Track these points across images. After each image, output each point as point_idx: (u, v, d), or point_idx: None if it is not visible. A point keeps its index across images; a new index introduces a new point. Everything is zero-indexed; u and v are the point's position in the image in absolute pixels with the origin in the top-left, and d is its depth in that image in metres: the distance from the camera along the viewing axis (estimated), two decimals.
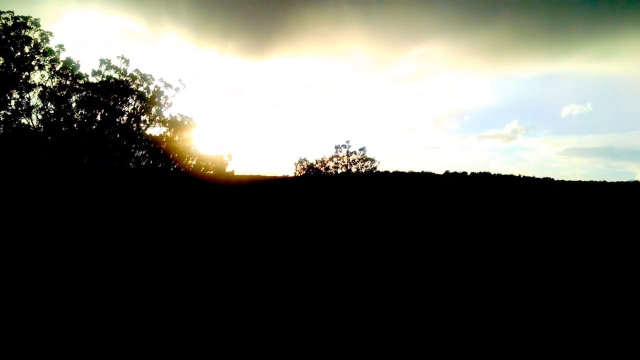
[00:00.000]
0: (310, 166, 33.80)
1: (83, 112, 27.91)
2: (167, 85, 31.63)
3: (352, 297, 4.99)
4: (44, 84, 26.48)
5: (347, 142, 34.42)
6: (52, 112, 26.82)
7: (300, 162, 34.06)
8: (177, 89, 31.97)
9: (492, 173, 51.09)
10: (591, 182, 59.41)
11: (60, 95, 26.91)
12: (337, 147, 34.43)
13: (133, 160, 31.44)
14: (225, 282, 5.45)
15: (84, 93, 27.81)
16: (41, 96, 26.29)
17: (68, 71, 27.00)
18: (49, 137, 27.01)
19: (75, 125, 27.63)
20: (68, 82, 27.09)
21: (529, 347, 3.69)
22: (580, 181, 59.44)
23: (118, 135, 30.13)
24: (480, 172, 50.07)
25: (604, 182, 62.17)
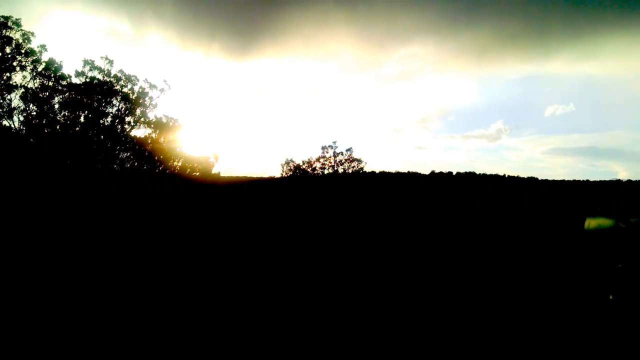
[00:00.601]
0: (297, 167, 34.24)
1: (66, 113, 27.88)
2: (152, 86, 31.75)
3: (347, 297, 5.42)
4: (25, 85, 26.40)
5: (334, 142, 34.92)
6: (35, 113, 26.74)
7: (287, 162, 34.48)
8: (162, 90, 32.12)
9: (478, 173, 52.30)
10: (574, 181, 61.26)
11: (43, 97, 26.85)
12: (323, 148, 34.92)
13: (118, 162, 31.45)
14: (216, 279, 5.90)
15: (67, 94, 27.78)
16: (23, 97, 26.20)
17: (50, 72, 26.96)
18: (31, 139, 26.92)
19: (58, 127, 27.58)
20: (51, 83, 27.05)
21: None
22: (564, 180, 61.26)
23: (102, 137, 30.12)
24: (465, 172, 51.23)
25: (587, 181, 64.15)
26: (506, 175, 54.59)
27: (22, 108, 26.32)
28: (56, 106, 27.56)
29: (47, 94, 26.95)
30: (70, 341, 3.54)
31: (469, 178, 50.13)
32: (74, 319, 3.97)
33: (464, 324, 4.32)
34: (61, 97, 27.66)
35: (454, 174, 50.55)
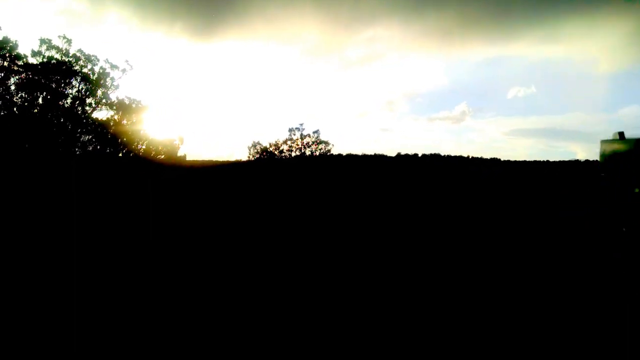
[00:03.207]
0: (264, 150, 36.09)
1: (23, 95, 28.36)
2: (113, 67, 32.37)
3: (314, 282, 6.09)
4: None
5: (301, 125, 36.82)
6: None
7: (254, 145, 36.25)
8: (124, 71, 32.79)
9: (443, 154, 56.13)
10: (535, 161, 66.65)
11: None
12: (290, 130, 36.83)
13: (79, 145, 32.19)
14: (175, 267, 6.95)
15: (24, 75, 28.20)
16: None
17: (5, 52, 27.27)
18: None
19: (15, 109, 28.08)
20: (5, 64, 27.39)
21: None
22: (525, 161, 66.49)
23: (62, 119, 30.75)
24: (431, 154, 54.97)
25: (547, 161, 69.83)
26: (470, 157, 58.88)
27: None
28: (12, 87, 28.00)
29: (2, 74, 27.31)
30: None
31: (434, 159, 53.86)
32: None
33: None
34: (17, 77, 28.08)
35: (420, 155, 54.27)
